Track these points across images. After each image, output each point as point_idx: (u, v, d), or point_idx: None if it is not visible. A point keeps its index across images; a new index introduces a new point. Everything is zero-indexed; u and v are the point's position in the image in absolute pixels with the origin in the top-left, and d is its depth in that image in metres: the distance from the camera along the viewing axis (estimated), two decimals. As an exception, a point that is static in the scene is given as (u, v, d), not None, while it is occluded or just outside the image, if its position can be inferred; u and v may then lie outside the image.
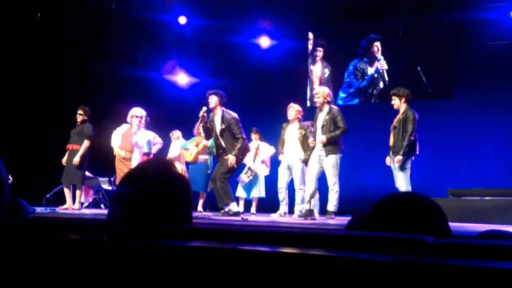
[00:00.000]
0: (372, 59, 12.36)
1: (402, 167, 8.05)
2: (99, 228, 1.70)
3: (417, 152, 8.20)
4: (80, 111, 10.09)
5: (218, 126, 8.57)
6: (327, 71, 12.99)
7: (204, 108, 8.65)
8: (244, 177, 10.00)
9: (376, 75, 12.28)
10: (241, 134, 8.56)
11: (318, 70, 13.07)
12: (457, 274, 1.08)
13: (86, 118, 10.09)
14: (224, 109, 8.63)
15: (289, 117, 9.40)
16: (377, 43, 12.27)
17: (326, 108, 8.53)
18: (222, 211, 8.50)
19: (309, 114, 9.86)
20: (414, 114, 8.10)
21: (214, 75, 13.00)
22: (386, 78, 12.12)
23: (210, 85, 10.78)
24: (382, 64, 12.17)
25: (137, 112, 9.66)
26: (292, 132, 9.36)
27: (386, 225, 1.66)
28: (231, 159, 8.42)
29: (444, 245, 1.33)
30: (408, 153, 8.05)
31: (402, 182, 8.06)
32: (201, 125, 8.71)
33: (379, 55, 12.25)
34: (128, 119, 9.70)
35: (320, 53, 13.08)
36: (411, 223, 1.64)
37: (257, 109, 12.16)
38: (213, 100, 8.59)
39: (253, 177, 10.11)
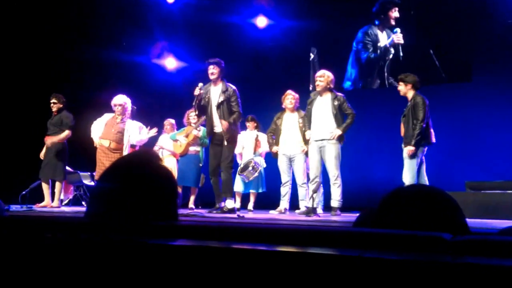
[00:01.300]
0: (385, 26, 12.24)
1: (410, 157, 8.08)
2: (80, 226, 1.69)
3: (434, 141, 8.23)
4: (53, 100, 10.05)
5: (216, 98, 8.61)
6: (311, 55, 12.94)
7: (200, 85, 8.68)
8: (249, 174, 9.95)
9: (390, 48, 12.16)
10: (238, 108, 8.62)
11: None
12: (478, 274, 1.08)
13: (61, 106, 10.06)
14: (226, 81, 8.70)
15: (289, 106, 9.43)
16: (395, 9, 12.16)
17: (328, 95, 8.58)
18: (217, 206, 8.55)
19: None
20: (424, 100, 8.13)
21: (205, 59, 12.94)
22: (401, 54, 12.03)
23: (202, 70, 10.75)
24: (398, 38, 12.05)
25: (118, 100, 9.62)
26: (291, 122, 9.41)
27: (397, 221, 1.65)
28: (224, 124, 8.45)
29: (463, 242, 1.32)
30: (419, 143, 8.06)
31: (406, 173, 8.09)
32: (195, 103, 8.69)
33: (393, 23, 12.11)
34: (113, 107, 9.69)
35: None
36: (424, 219, 1.63)
37: (253, 96, 12.13)
38: (216, 70, 8.66)
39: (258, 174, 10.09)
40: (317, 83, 8.70)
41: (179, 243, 1.37)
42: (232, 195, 8.70)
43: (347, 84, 12.36)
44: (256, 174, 9.96)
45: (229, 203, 8.54)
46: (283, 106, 9.56)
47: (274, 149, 9.55)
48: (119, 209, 1.70)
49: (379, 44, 12.26)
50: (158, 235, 1.52)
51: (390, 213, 1.69)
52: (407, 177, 8.10)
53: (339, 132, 8.40)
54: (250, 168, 9.94)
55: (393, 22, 12.13)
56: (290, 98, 9.47)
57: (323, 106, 8.56)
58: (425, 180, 8.21)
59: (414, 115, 8.11)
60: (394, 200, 1.72)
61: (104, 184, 1.80)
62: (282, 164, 9.50)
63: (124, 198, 1.71)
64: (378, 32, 12.28)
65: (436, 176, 9.24)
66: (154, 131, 9.97)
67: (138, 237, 1.47)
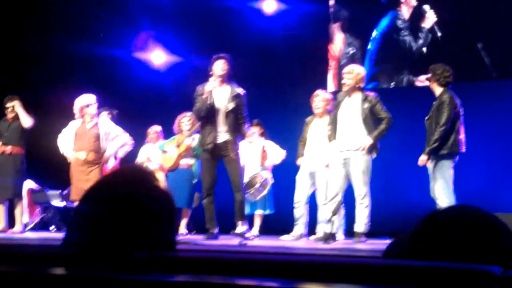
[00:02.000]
0: (409, 10, 12.24)
1: (439, 172, 8.04)
2: (51, 257, 1.69)
3: (463, 150, 8.16)
4: (11, 103, 10.08)
5: (224, 103, 8.59)
6: (350, 50, 12.90)
7: (213, 78, 8.64)
8: (257, 192, 9.92)
9: (424, 33, 12.09)
10: (246, 119, 8.66)
11: (336, 47, 12.97)
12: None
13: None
14: (234, 83, 8.77)
15: (317, 110, 9.31)
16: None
17: (357, 95, 8.44)
18: (211, 232, 8.59)
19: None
20: (452, 98, 8.05)
21: (200, 52, 12.93)
22: (439, 33, 11.97)
23: (196, 66, 10.79)
24: (430, 16, 12.02)
25: (84, 101, 9.60)
26: (318, 129, 9.27)
27: (435, 252, 1.65)
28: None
29: (517, 277, 1.32)
30: (438, 151, 8.03)
31: (441, 191, 8.02)
32: (205, 101, 8.61)
33: (414, 3, 12.11)
34: (77, 113, 9.65)
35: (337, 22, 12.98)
36: (469, 249, 1.63)
37: (258, 97, 12.12)
38: (225, 67, 8.68)
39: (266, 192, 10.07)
40: (343, 81, 8.55)
41: (176, 279, 1.37)
42: (246, 218, 8.83)
43: (371, 85, 12.34)
44: (265, 192, 9.94)
45: (243, 228, 8.61)
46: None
47: (299, 161, 9.50)
48: (106, 237, 1.70)
49: (409, 32, 12.23)
50: (150, 269, 1.52)
51: (427, 241, 1.69)
52: (442, 197, 8.01)
53: (370, 141, 8.25)
54: (258, 185, 9.90)
55: (414, 3, 12.11)
56: (317, 100, 9.33)
57: (351, 110, 8.43)
58: None
59: (437, 118, 8.05)
60: (431, 226, 1.72)
61: (89, 206, 1.80)
62: (299, 179, 9.44)
63: (112, 224, 1.71)
64: (405, 18, 12.28)
65: (483, 195, 9.21)
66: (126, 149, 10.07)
67: (127, 271, 1.48)
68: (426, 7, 12.02)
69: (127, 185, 1.79)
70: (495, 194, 10.42)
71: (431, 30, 12.02)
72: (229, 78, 8.76)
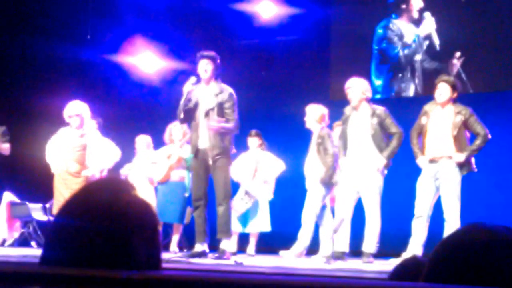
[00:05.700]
0: (409, 19, 12.27)
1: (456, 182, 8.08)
2: (30, 276, 1.66)
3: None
4: None
5: (205, 103, 8.52)
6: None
7: (193, 79, 8.59)
8: (238, 205, 9.90)
9: (423, 40, 12.14)
10: (234, 116, 8.53)
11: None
12: None
13: None
14: (221, 81, 8.70)
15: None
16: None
17: (365, 109, 8.43)
18: (195, 251, 8.48)
19: (333, 111, 9.66)
20: None
21: (194, 57, 12.93)
22: (437, 41, 12.02)
23: (190, 72, 10.76)
24: (430, 23, 12.07)
25: (73, 110, 9.55)
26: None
27: (456, 275, 1.62)
28: (212, 125, 8.34)
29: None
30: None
31: (455, 206, 8.07)
32: (184, 102, 8.53)
33: (416, 16, 12.16)
34: (67, 120, 9.63)
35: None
36: (499, 274, 1.60)
37: (256, 107, 12.13)
38: (209, 67, 8.58)
39: (251, 205, 10.02)
40: (348, 96, 8.57)
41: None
42: (231, 235, 8.70)
43: (376, 97, 12.35)
44: (249, 205, 9.88)
45: (226, 245, 8.49)
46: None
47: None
48: (84, 254, 1.67)
49: (405, 40, 12.27)
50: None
51: (448, 264, 1.65)
52: (456, 212, 8.06)
53: (383, 161, 8.31)
54: (239, 197, 9.88)
55: (415, 15, 12.17)
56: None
57: (359, 125, 8.47)
58: None
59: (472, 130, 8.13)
60: (452, 247, 1.69)
61: (64, 220, 1.77)
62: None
63: (90, 240, 1.69)
64: (402, 26, 12.32)
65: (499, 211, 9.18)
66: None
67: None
68: (427, 14, 12.04)
69: (105, 198, 1.77)
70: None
71: (429, 39, 12.05)
72: (216, 77, 8.66)
